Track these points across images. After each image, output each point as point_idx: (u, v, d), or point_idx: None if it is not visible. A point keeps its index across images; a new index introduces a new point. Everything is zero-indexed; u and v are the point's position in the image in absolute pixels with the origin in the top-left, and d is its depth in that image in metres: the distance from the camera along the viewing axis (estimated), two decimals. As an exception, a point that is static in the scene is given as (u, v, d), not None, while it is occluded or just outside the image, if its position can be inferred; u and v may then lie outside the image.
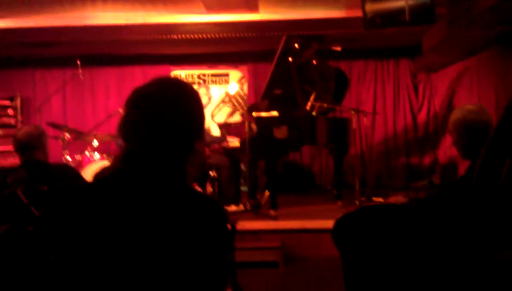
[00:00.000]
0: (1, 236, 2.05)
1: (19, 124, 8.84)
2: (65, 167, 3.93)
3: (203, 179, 6.32)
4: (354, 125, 7.17)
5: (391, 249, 2.31)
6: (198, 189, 6.13)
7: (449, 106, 8.60)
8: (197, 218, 1.48)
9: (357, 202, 6.73)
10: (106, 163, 6.86)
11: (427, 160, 9.27)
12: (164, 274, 1.42)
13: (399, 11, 6.00)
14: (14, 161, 3.75)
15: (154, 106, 1.53)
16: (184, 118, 1.55)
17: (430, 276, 2.19)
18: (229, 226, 3.03)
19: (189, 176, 1.64)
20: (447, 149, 8.60)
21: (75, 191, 1.52)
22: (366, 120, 7.69)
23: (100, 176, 1.84)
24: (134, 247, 1.41)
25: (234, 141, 6.62)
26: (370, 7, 6.12)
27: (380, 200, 6.88)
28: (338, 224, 2.48)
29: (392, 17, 6.07)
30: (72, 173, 3.67)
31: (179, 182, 1.55)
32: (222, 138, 6.81)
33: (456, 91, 8.44)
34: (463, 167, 5.88)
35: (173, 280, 1.43)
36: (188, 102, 1.58)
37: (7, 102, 9.09)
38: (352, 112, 7.12)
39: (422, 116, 9.41)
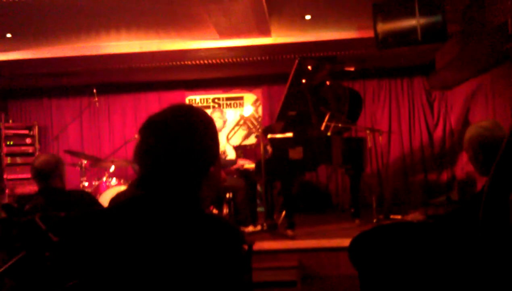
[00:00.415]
0: (17, 262, 2.08)
1: (37, 153, 8.95)
2: (82, 193, 3.97)
3: (220, 201, 6.34)
4: (370, 144, 7.17)
5: (408, 267, 2.31)
6: (215, 211, 6.16)
7: (465, 122, 8.57)
8: (212, 242, 1.50)
9: (374, 220, 6.71)
10: (122, 188, 6.91)
11: (444, 176, 9.22)
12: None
13: (411, 30, 6.03)
14: (32, 188, 3.81)
15: (168, 132, 1.56)
16: (198, 144, 1.58)
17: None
18: (245, 247, 3.04)
19: (204, 200, 1.66)
20: (464, 165, 8.55)
21: (91, 216, 1.54)
22: (381, 139, 7.69)
23: (116, 201, 1.87)
24: (150, 273, 1.43)
25: (246, 163, 6.65)
26: (381, 28, 6.15)
27: (398, 217, 6.84)
28: (354, 242, 2.48)
29: (404, 36, 6.09)
30: (89, 199, 3.71)
31: (193, 207, 1.57)
32: (233, 161, 6.85)
33: (471, 108, 8.42)
34: (481, 183, 5.84)
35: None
36: (202, 128, 1.61)
37: (25, 131, 9.24)
38: (367, 131, 7.13)
39: (438, 133, 9.38)
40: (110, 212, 1.59)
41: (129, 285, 1.42)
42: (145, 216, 1.50)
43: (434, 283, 2.23)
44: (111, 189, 6.95)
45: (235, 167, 6.68)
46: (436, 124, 9.40)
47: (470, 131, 2.85)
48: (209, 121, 1.66)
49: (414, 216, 2.93)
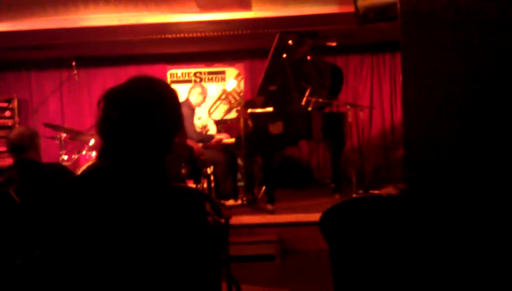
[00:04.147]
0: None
1: (17, 126, 8.87)
2: (57, 165, 3.97)
3: (198, 175, 6.35)
4: (350, 119, 7.18)
5: (376, 241, 2.33)
6: (192, 185, 6.17)
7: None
8: (174, 213, 1.50)
9: (354, 195, 6.75)
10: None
11: (425, 153, 9.27)
12: (144, 273, 1.43)
13: (392, 6, 6.00)
14: (11, 161, 3.81)
15: (128, 103, 1.55)
16: (159, 114, 1.57)
17: (414, 268, 2.21)
18: (222, 221, 3.05)
19: (169, 170, 1.66)
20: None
21: (53, 187, 1.54)
22: (363, 114, 7.70)
23: (85, 173, 1.86)
24: (110, 245, 1.43)
25: (224, 137, 6.65)
26: (362, 2, 6.11)
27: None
28: (325, 215, 2.50)
29: (385, 11, 6.06)
30: (64, 172, 3.70)
31: (156, 178, 1.57)
32: (211, 136, 6.84)
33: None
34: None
35: (156, 275, 1.44)
36: (163, 99, 1.61)
37: (4, 104, 9.14)
38: (348, 106, 7.13)
39: (419, 109, 9.40)
40: (72, 183, 1.58)
41: (88, 257, 1.42)
42: (107, 187, 1.50)
43: (400, 256, 2.25)
44: (90, 162, 6.92)
45: (212, 141, 6.68)
46: (418, 100, 9.42)
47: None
48: (170, 91, 1.66)
49: (387, 191, 2.94)
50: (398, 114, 9.41)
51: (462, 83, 2.34)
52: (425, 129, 2.48)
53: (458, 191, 2.34)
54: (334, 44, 8.40)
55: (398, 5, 2.57)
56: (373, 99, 9.48)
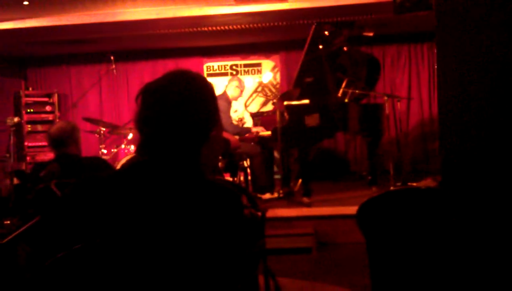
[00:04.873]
0: (31, 228, 2.12)
1: (57, 120, 9.05)
2: (97, 159, 4.03)
3: (234, 168, 6.37)
4: (388, 110, 7.10)
5: (413, 234, 2.31)
6: (229, 178, 6.19)
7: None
8: (212, 206, 1.51)
9: (391, 188, 6.68)
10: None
11: (464, 144, 9.11)
12: (182, 265, 1.45)
13: (429, -6, 5.91)
14: (52, 155, 3.89)
15: (165, 98, 1.57)
16: (196, 108, 1.58)
17: (450, 262, 2.19)
18: (259, 214, 3.06)
19: (207, 164, 1.67)
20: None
21: (93, 181, 1.57)
22: (400, 106, 7.61)
23: (125, 166, 1.89)
24: (151, 238, 1.45)
25: (260, 130, 6.65)
26: (399, -9, 6.03)
27: (415, 185, 6.81)
28: (361, 208, 2.48)
29: (422, 0, 5.97)
30: (104, 165, 3.76)
31: (193, 171, 1.58)
32: (247, 129, 6.84)
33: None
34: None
35: (193, 267, 1.46)
36: (199, 93, 1.62)
37: (45, 99, 9.35)
38: (385, 97, 7.05)
39: (458, 100, 9.24)
40: (111, 178, 1.61)
41: (130, 250, 1.45)
42: (146, 181, 1.52)
43: (440, 251, 2.23)
44: (129, 156, 7.02)
45: (249, 134, 6.69)
46: (457, 91, 9.26)
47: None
48: (207, 85, 1.67)
49: (426, 183, 2.92)
50: (436, 106, 9.24)
51: (497, 74, 2.30)
52: (460, 121, 2.44)
53: (493, 183, 2.30)
54: (371, 34, 8.31)
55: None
56: (411, 90, 9.36)
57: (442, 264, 2.20)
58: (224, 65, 9.77)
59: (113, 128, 7.48)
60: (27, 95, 9.26)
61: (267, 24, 7.85)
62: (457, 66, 2.38)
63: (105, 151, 7.31)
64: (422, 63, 9.38)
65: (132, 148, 7.27)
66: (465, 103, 2.38)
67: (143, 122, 1.58)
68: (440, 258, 2.20)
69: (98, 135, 7.33)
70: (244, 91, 7.24)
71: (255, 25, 7.87)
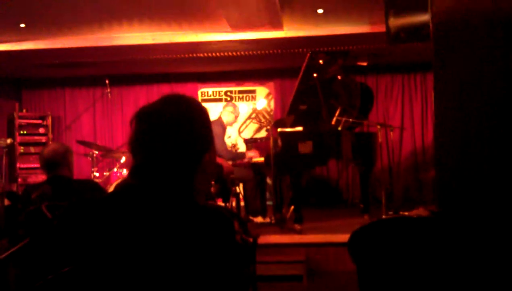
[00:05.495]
0: (20, 249, 2.11)
1: (50, 143, 9.02)
2: (90, 182, 4.01)
3: (227, 193, 6.36)
4: (381, 139, 7.13)
5: (405, 263, 2.31)
6: (221, 204, 6.18)
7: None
8: (204, 231, 1.50)
9: (383, 216, 6.67)
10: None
11: (456, 174, 9.14)
12: (172, 289, 1.44)
13: (424, 25, 5.97)
14: (44, 178, 3.86)
15: (159, 122, 1.57)
16: (190, 133, 1.59)
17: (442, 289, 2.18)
18: (250, 240, 3.05)
19: (200, 189, 1.67)
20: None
21: (83, 205, 1.56)
22: (393, 135, 7.65)
23: (117, 190, 1.88)
24: (140, 262, 1.44)
25: (254, 156, 6.66)
26: (393, 22, 6.07)
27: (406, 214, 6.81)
28: (353, 236, 2.48)
29: (416, 31, 6.03)
30: (96, 188, 3.74)
31: (186, 196, 1.58)
32: (242, 154, 6.86)
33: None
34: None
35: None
36: (193, 117, 1.62)
37: (39, 121, 9.34)
38: (379, 126, 7.09)
39: (450, 130, 9.29)
40: (103, 201, 1.60)
41: (120, 274, 1.44)
42: (138, 205, 1.52)
43: (432, 280, 2.22)
44: (120, 180, 7.00)
45: (244, 160, 6.70)
46: (449, 121, 9.32)
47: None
48: (201, 110, 1.68)
49: (418, 212, 2.92)
50: (429, 136, 9.31)
51: (496, 104, 2.32)
52: (457, 151, 2.45)
53: (491, 214, 2.31)
54: (364, 64, 8.39)
55: (431, 25, 2.55)
56: (404, 120, 9.42)
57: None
58: (219, 91, 9.81)
59: (106, 151, 7.47)
60: (20, 117, 9.24)
61: (262, 51, 7.92)
62: (454, 95, 2.40)
63: (97, 174, 7.29)
64: (415, 93, 9.45)
65: (125, 171, 7.26)
66: (462, 132, 2.39)
67: (136, 146, 1.58)
68: (431, 288, 2.20)
69: (90, 158, 7.32)
70: (238, 117, 7.28)
71: (250, 52, 7.94)
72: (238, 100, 9.66)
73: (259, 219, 6.54)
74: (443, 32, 2.45)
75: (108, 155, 7.49)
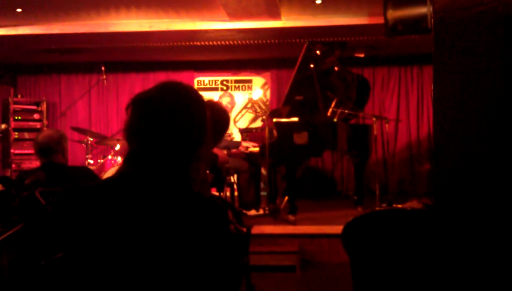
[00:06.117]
0: (14, 234, 2.11)
1: (45, 129, 8.99)
2: (84, 169, 4.00)
3: (221, 183, 6.36)
4: (376, 131, 7.13)
5: (397, 254, 2.31)
6: (215, 193, 6.17)
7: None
8: (197, 219, 1.50)
9: (377, 208, 6.69)
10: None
11: (451, 167, 9.16)
12: (165, 276, 1.44)
13: (422, 18, 5.96)
14: (38, 164, 3.85)
15: (155, 109, 1.56)
16: (186, 121, 1.58)
17: (434, 283, 2.19)
18: (244, 230, 3.05)
19: (195, 177, 1.67)
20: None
21: (78, 191, 1.55)
22: (388, 127, 7.65)
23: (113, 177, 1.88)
24: (133, 248, 1.44)
25: (250, 146, 6.65)
26: (391, 14, 6.07)
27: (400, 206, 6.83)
28: (347, 228, 2.49)
29: (415, 24, 6.02)
30: (90, 175, 3.73)
31: (181, 184, 1.57)
32: (237, 143, 6.85)
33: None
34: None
35: (175, 281, 1.45)
36: (190, 105, 1.61)
37: (33, 107, 9.29)
38: (374, 118, 7.09)
39: (446, 124, 9.30)
40: (98, 188, 1.59)
41: (113, 261, 1.44)
42: (132, 192, 1.51)
43: (424, 272, 2.23)
44: (115, 167, 6.99)
45: (239, 149, 6.69)
46: (445, 114, 9.32)
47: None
48: (198, 97, 1.66)
49: (411, 204, 2.93)
50: (424, 128, 9.32)
51: (496, 96, 2.31)
52: (455, 142, 2.45)
53: (488, 206, 2.31)
54: (362, 55, 8.40)
55: (429, 17, 2.55)
56: (399, 112, 9.41)
57: (426, 284, 2.21)
58: (215, 80, 9.79)
59: (101, 138, 7.45)
60: (15, 103, 9.19)
61: (260, 41, 7.89)
62: (453, 88, 2.40)
63: (91, 161, 7.28)
64: (412, 86, 9.44)
65: (119, 159, 7.24)
66: (461, 125, 2.39)
67: (132, 133, 1.57)
68: (424, 279, 2.21)
69: (85, 145, 7.30)
70: (234, 107, 7.26)
71: (247, 41, 7.91)
72: (234, 90, 9.65)
73: (252, 212, 6.54)
74: (444, 26, 2.45)
75: (102, 142, 7.47)
